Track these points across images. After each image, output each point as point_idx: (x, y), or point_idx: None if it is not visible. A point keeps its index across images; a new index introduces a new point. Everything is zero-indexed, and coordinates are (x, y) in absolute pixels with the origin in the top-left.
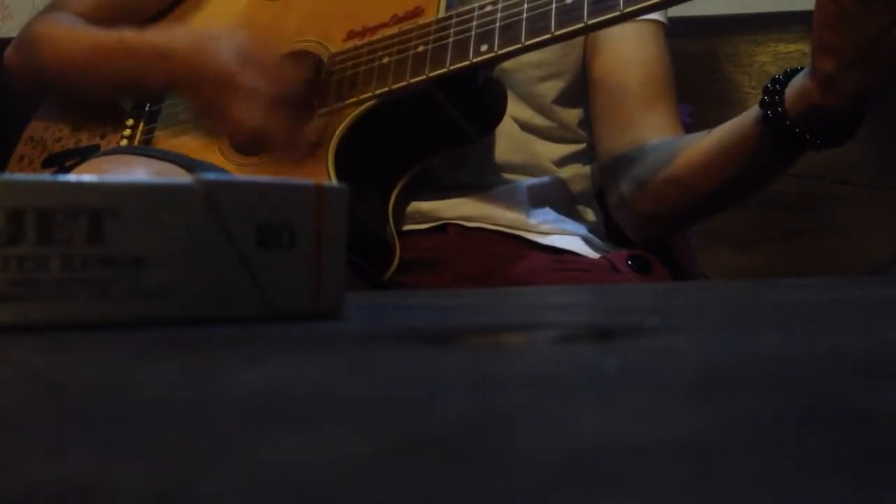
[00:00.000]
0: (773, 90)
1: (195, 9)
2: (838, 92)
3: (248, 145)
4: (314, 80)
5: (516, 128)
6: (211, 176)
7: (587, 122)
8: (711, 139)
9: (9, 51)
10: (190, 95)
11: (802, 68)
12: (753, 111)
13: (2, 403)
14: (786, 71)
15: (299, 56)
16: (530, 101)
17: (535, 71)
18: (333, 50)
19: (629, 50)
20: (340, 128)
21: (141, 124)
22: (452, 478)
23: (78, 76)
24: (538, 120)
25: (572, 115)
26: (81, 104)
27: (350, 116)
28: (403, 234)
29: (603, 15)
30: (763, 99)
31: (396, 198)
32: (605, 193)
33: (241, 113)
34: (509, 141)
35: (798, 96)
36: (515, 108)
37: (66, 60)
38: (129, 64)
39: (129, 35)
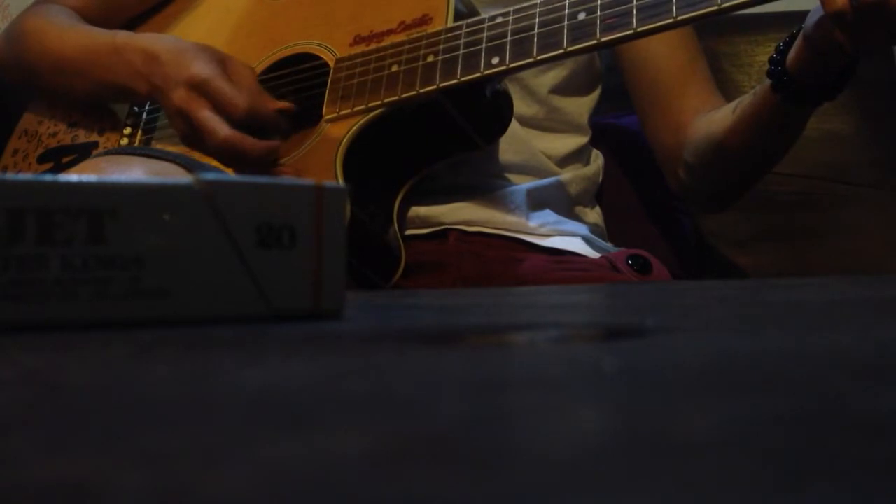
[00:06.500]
0: (774, 59)
1: (193, 5)
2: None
3: (221, 156)
4: (320, 85)
5: (516, 125)
6: (211, 176)
7: (592, 114)
8: (735, 114)
9: None
10: (166, 101)
11: (799, 29)
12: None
13: (2, 403)
14: (785, 39)
15: (304, 59)
16: (530, 93)
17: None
18: (339, 54)
19: (653, 43)
20: (349, 134)
21: (141, 122)
22: (452, 478)
23: (66, 74)
24: (540, 113)
25: (573, 104)
26: (72, 100)
27: (359, 123)
28: (404, 239)
29: (616, 33)
30: (769, 69)
31: (400, 202)
32: (667, 181)
33: (212, 122)
34: (510, 140)
35: (795, 59)
36: (516, 102)
37: (56, 57)
38: (117, 65)
39: (121, 37)
